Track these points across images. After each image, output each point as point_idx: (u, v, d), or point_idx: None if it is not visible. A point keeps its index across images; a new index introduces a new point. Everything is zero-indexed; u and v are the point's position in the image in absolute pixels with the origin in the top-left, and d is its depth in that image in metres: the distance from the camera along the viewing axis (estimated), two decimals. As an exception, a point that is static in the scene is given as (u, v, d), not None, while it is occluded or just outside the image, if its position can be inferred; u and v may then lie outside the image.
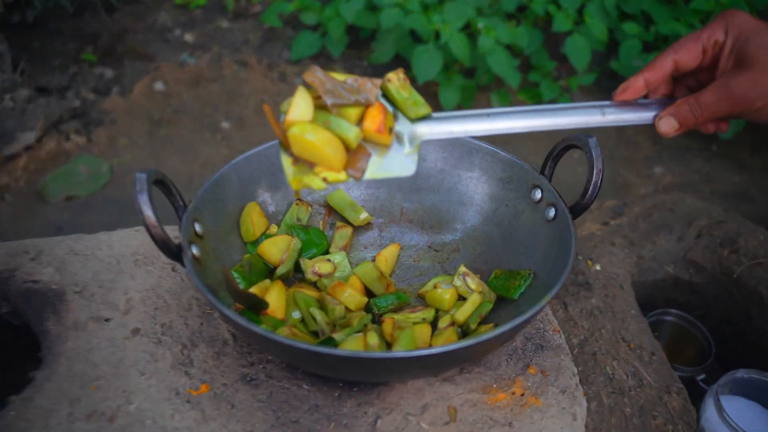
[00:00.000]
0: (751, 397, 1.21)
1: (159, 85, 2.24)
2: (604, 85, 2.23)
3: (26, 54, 2.24)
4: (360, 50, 2.28)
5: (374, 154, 0.77)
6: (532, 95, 2.14)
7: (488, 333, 0.70)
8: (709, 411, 1.14)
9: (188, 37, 2.39)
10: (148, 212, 0.76)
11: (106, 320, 0.94)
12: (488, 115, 0.80)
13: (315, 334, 0.87)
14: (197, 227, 0.87)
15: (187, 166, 1.99)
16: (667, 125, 0.81)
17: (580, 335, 1.11)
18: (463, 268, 0.92)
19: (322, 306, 0.89)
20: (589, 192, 0.87)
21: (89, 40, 2.36)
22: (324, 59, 2.28)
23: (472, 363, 0.86)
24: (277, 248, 0.94)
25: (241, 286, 0.89)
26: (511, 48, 2.09)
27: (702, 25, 2.10)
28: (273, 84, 2.24)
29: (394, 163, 0.77)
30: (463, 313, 0.86)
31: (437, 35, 1.94)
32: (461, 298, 0.93)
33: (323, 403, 0.83)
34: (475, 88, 2.09)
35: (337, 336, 0.84)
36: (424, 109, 0.79)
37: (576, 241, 0.86)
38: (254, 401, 0.83)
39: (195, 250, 0.83)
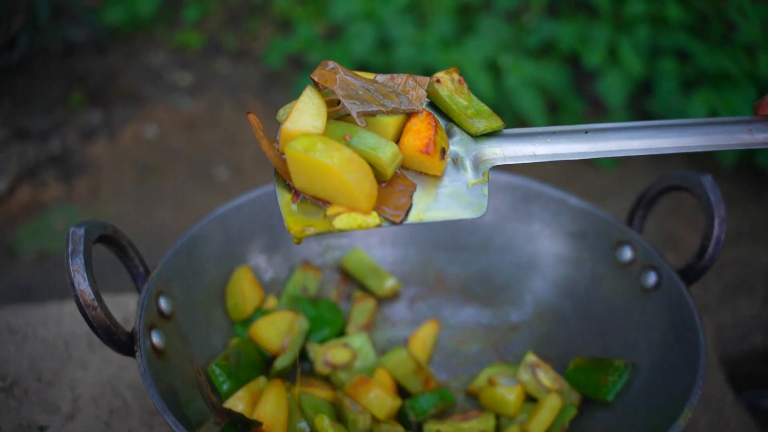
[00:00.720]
0: None
1: (151, 131, 2.01)
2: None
3: (9, 97, 2.01)
4: (370, 92, 2.06)
5: (420, 186, 0.51)
6: (560, 138, 1.90)
7: None
8: None
9: (184, 80, 2.17)
10: (82, 285, 0.51)
11: (41, 429, 0.67)
12: (586, 132, 0.54)
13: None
14: (163, 304, 0.61)
15: (179, 219, 1.74)
16: None
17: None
18: (531, 357, 0.66)
19: (338, 413, 0.62)
20: (710, 249, 0.61)
21: (77, 81, 2.15)
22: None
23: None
24: (276, 330, 0.68)
25: (225, 387, 0.62)
26: (538, 89, 1.87)
27: (748, 58, 1.87)
28: (275, 130, 2.00)
29: (454, 200, 0.50)
30: (539, 425, 0.59)
31: (458, 72, 1.71)
32: (529, 399, 0.66)
33: None
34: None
35: None
36: (494, 121, 0.54)
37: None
38: None
39: (157, 339, 0.57)
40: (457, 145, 0.52)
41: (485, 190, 0.51)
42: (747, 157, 1.83)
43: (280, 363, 0.66)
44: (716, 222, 0.61)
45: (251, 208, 0.75)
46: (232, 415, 0.54)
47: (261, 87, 2.13)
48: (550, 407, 0.60)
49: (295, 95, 2.02)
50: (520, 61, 1.77)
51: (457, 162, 0.52)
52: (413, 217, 0.49)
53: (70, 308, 0.83)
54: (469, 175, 0.52)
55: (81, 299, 0.51)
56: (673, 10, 1.91)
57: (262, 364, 0.67)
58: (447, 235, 0.80)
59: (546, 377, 0.65)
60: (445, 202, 0.50)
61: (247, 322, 0.69)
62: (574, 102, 1.93)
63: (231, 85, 2.15)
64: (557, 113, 1.96)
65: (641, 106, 2.01)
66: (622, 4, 1.95)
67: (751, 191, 1.81)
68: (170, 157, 1.95)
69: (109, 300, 0.80)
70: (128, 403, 0.70)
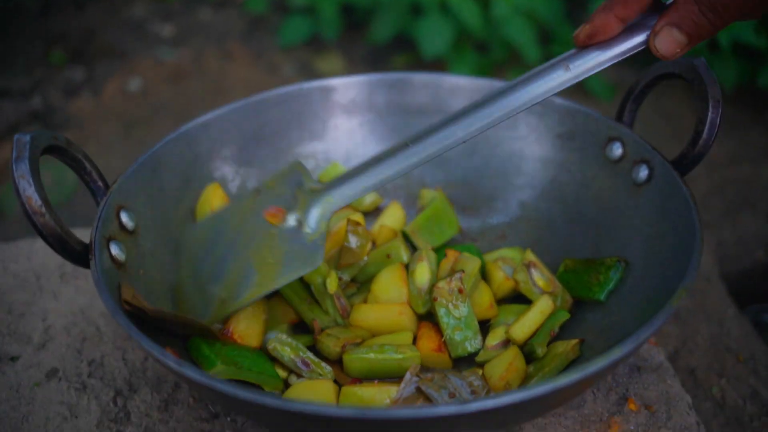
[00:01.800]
0: None
1: (135, 84, 1.95)
2: (633, 56, 1.93)
3: (-13, 57, 1.96)
4: (357, 31, 2.00)
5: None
6: (554, 71, 1.85)
7: (581, 371, 0.40)
8: None
9: (166, 31, 2.11)
10: (28, 191, 0.47)
11: (12, 359, 0.64)
12: (407, 145, 0.58)
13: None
14: (125, 218, 0.58)
15: (165, 170, 1.70)
16: (668, 40, 0.51)
17: (669, 345, 0.81)
18: (530, 256, 0.62)
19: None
20: (705, 135, 0.57)
21: (57, 39, 2.09)
22: (317, 44, 2.00)
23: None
24: None
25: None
26: (529, 19, 1.80)
27: None
28: (261, 75, 1.95)
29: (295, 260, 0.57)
30: (525, 329, 0.56)
31: (443, 5, 1.65)
32: (519, 299, 0.63)
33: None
34: (489, 66, 1.80)
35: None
36: (475, 343, 0.58)
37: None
38: (218, 475, 0.53)
39: (116, 251, 0.54)
40: (299, 210, 0.59)
41: (323, 241, 0.58)
42: (749, 80, 1.77)
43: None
44: (710, 104, 0.57)
45: (219, 125, 0.71)
46: (188, 326, 0.51)
47: (245, 33, 2.07)
48: (540, 310, 0.57)
49: (279, 40, 1.96)
50: (511, -10, 1.70)
51: (300, 224, 0.58)
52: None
53: (42, 244, 0.80)
54: (310, 231, 0.58)
55: (28, 206, 0.48)
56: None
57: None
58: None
59: (541, 278, 0.61)
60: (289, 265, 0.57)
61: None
62: (568, 32, 1.86)
63: (214, 33, 2.09)
64: (550, 44, 1.90)
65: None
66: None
67: (753, 114, 1.76)
68: (155, 109, 1.90)
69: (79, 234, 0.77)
70: (101, 330, 0.67)
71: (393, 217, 0.72)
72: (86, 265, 0.50)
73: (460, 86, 0.76)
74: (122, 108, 1.90)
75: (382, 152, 0.58)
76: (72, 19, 2.14)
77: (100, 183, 0.58)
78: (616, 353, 0.41)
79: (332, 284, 0.61)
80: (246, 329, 0.56)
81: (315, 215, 0.58)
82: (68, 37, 2.09)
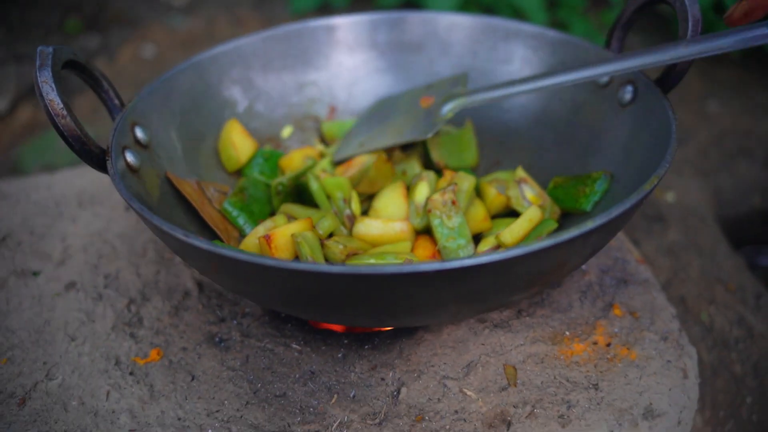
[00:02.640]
0: None
1: (149, 50, 1.99)
2: (642, 21, 1.94)
3: (3, 26, 2.00)
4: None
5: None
6: (561, 35, 1.86)
7: (585, 226, 0.43)
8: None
9: (178, 1, 2.14)
10: (50, 95, 0.51)
11: (34, 274, 0.69)
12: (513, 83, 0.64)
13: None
14: (139, 133, 0.61)
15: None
16: None
17: (661, 276, 0.84)
18: (521, 172, 0.65)
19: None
20: (676, 72, 0.60)
21: (72, 8, 2.13)
22: (327, 12, 2.02)
23: (543, 286, 0.59)
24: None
25: (240, 221, 0.64)
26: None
27: None
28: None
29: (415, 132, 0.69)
30: (514, 234, 0.59)
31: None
32: (512, 216, 0.66)
33: (321, 368, 0.57)
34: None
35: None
36: (468, 248, 0.61)
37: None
38: (224, 369, 0.57)
39: (131, 158, 0.58)
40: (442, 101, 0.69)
41: (440, 125, 0.67)
42: (707, 32, 1.77)
43: (279, 181, 0.67)
44: (690, 23, 0.59)
45: (229, 58, 0.74)
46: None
47: (256, 1, 2.10)
48: (528, 218, 0.60)
49: (290, 7, 1.99)
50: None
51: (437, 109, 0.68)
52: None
53: (61, 176, 0.84)
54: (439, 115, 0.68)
55: (50, 108, 0.51)
56: None
57: (269, 198, 0.68)
58: (429, 81, 0.79)
59: (531, 192, 0.65)
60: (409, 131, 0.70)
61: (248, 169, 0.70)
62: (574, -3, 1.87)
63: (225, 0, 2.12)
64: (556, 8, 1.91)
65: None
66: None
67: (759, 77, 1.77)
68: (169, 75, 1.94)
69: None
70: (116, 248, 0.71)
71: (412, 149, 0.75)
72: (104, 168, 0.54)
73: (456, 23, 0.79)
74: (136, 74, 1.94)
75: (501, 82, 0.66)
76: (86, -12, 2.18)
77: (116, 101, 0.62)
78: (589, 225, 0.44)
79: (356, 207, 0.64)
80: (280, 240, 0.59)
81: (449, 106, 0.68)
82: (82, 6, 2.14)
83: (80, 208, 0.77)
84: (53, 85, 0.51)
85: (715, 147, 1.18)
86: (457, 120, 0.77)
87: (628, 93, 0.64)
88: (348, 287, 0.42)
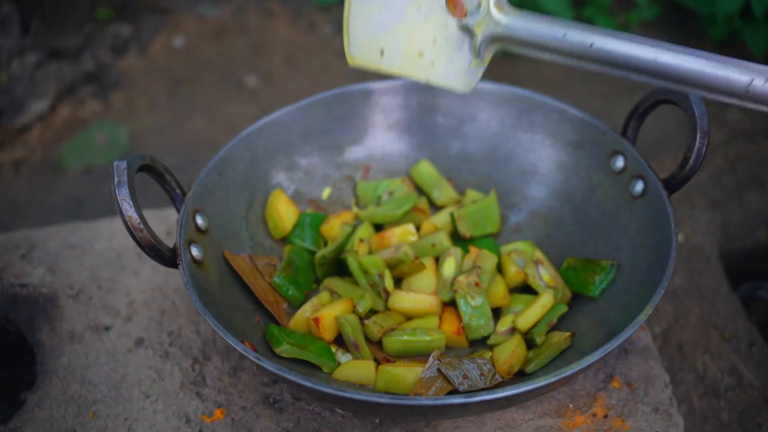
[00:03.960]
0: None
1: (179, 41, 2.06)
2: (667, 21, 1.96)
3: (37, 15, 2.06)
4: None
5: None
6: (586, 33, 1.89)
7: (571, 366, 0.52)
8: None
9: (208, -12, 2.19)
10: (129, 212, 0.60)
11: (106, 329, 0.79)
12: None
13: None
14: (200, 221, 0.71)
15: (211, 129, 1.83)
16: None
17: (663, 323, 0.93)
18: (538, 254, 0.74)
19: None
20: (691, 161, 0.67)
21: (104, -4, 2.18)
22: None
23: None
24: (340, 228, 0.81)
25: (290, 293, 0.74)
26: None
27: None
28: (300, 34, 2.04)
29: (453, 74, 0.60)
30: (528, 319, 0.68)
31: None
32: (528, 289, 0.75)
33: (361, 432, 0.67)
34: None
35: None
36: (487, 328, 0.71)
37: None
38: (279, 430, 0.68)
39: (196, 252, 0.67)
40: (472, 18, 0.59)
41: (480, 74, 0.61)
42: (732, 37, 1.79)
43: (322, 253, 0.76)
44: (698, 135, 0.66)
45: (272, 129, 0.83)
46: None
47: (284, -9, 2.14)
48: (542, 304, 0.69)
49: (317, 0, 2.03)
50: (545, -47, 1.73)
51: (467, 32, 0.59)
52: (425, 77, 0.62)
53: (119, 224, 0.94)
54: (472, 57, 0.60)
55: (129, 224, 0.60)
56: None
57: (312, 267, 0.78)
58: (457, 144, 0.87)
59: (546, 273, 0.73)
60: (441, 72, 0.61)
61: (293, 235, 0.79)
62: (602, -6, 1.89)
63: (254, -10, 2.16)
64: (582, 7, 1.94)
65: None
66: None
67: None
68: (200, 66, 2.01)
69: (152, 215, 0.90)
70: (176, 305, 0.81)
71: (440, 217, 0.83)
72: (174, 266, 0.64)
73: (485, 91, 0.86)
74: (168, 65, 2.01)
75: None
76: (116, -26, 2.23)
77: (178, 191, 0.71)
78: (578, 365, 0.53)
79: (389, 283, 0.73)
80: (327, 323, 0.69)
81: (487, 40, 0.58)
82: (114, -7, 2.19)
83: (139, 261, 0.87)
84: (131, 202, 0.60)
85: (728, 174, 1.24)
86: (483, 188, 0.85)
87: (639, 186, 0.72)
88: (390, 409, 0.52)
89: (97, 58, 1.98)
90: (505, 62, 1.97)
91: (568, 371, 0.53)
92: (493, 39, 0.58)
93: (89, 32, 2.08)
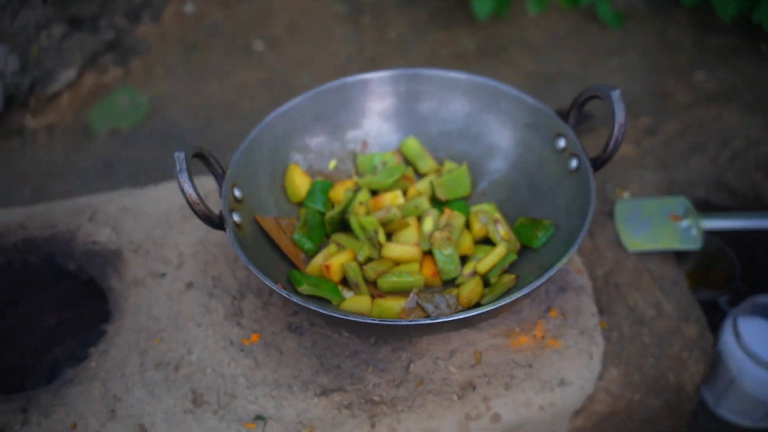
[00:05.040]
0: (776, 317, 1.28)
1: (189, 7, 2.26)
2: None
3: (54, -18, 2.26)
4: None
5: None
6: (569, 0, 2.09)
7: (511, 296, 0.78)
8: (727, 334, 1.22)
9: (213, -47, 2.37)
10: (189, 191, 0.84)
11: (162, 275, 1.05)
12: None
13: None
14: (237, 192, 0.95)
15: (224, 93, 2.06)
16: None
17: (606, 266, 1.18)
18: (496, 214, 0.99)
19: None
20: (610, 147, 0.91)
21: (115, -39, 2.37)
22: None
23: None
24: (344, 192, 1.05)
25: (307, 246, 0.99)
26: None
27: None
28: (304, 0, 2.23)
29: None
30: (486, 265, 0.94)
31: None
32: (487, 241, 1.00)
33: (361, 349, 0.94)
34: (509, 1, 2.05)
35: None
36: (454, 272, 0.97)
37: (597, 188, 0.91)
38: (300, 348, 0.94)
39: (236, 218, 0.92)
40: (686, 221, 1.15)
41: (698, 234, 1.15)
42: (744, 13, 1.99)
43: (330, 214, 1.01)
44: (616, 126, 0.89)
45: (288, 115, 1.06)
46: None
47: (286, -43, 2.32)
48: (497, 253, 0.94)
49: (319, -35, 2.21)
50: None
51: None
52: None
53: (164, 190, 1.19)
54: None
55: (189, 200, 0.85)
56: None
57: (323, 224, 1.03)
58: (437, 124, 1.11)
59: (502, 230, 0.98)
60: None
61: (307, 200, 1.04)
62: (585, -39, 2.07)
63: (258, -44, 2.34)
64: (568, -27, 2.12)
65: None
66: None
67: (749, 44, 2.01)
68: (210, 32, 2.21)
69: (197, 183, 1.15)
70: (216, 256, 1.07)
71: (422, 184, 1.08)
72: (222, 229, 0.88)
73: (460, 80, 1.09)
74: (180, 32, 2.22)
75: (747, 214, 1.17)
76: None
77: (220, 170, 0.95)
78: (515, 295, 0.78)
79: (382, 237, 0.98)
80: (335, 268, 0.95)
81: (697, 228, 1.18)
82: (124, -41, 2.37)
83: (183, 220, 1.12)
84: (190, 183, 0.84)
85: (679, 139, 1.47)
86: (458, 160, 1.10)
87: (574, 163, 0.96)
88: (380, 329, 0.78)
89: (114, 24, 2.19)
90: (495, 25, 2.16)
91: (505, 301, 0.78)
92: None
93: (104, -1, 2.27)
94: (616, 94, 0.90)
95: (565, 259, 0.83)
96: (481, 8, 1.98)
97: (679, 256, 1.28)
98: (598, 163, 0.93)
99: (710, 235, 1.41)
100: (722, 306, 1.34)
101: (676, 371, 1.11)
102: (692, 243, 1.16)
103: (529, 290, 0.80)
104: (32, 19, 1.93)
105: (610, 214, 1.26)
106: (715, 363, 1.25)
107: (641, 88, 1.92)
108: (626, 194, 1.31)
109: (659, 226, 1.18)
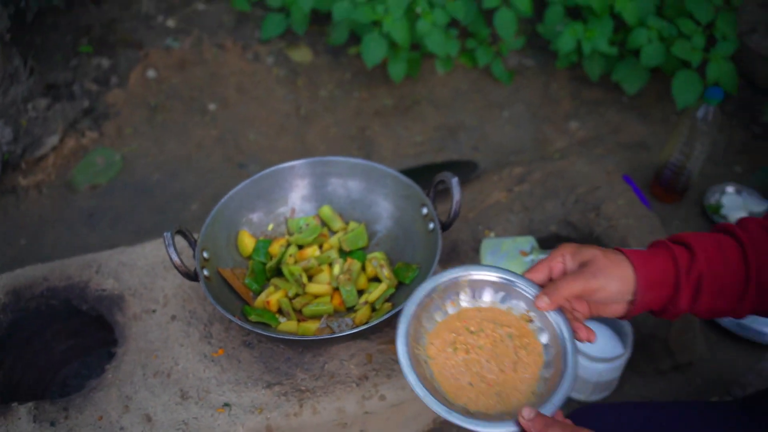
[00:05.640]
0: (605, 323, 1.85)
1: (151, 72, 2.76)
2: (534, 44, 2.73)
3: (31, 51, 2.75)
4: (322, 26, 2.78)
5: None
6: (470, 59, 2.65)
7: (381, 317, 1.32)
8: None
9: (170, 23, 2.88)
10: (175, 259, 1.37)
11: (153, 311, 1.57)
12: None
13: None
14: (205, 254, 1.48)
15: (184, 148, 2.57)
16: (541, 302, 1.03)
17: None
18: (383, 260, 1.53)
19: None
20: (451, 216, 1.46)
21: (83, 32, 2.85)
22: (291, 37, 2.78)
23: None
24: (276, 248, 1.57)
25: (254, 287, 1.51)
26: (452, 18, 2.58)
27: None
28: (249, 64, 2.75)
29: None
30: (373, 296, 1.48)
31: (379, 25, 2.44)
32: (376, 279, 1.55)
33: (292, 356, 1.47)
34: (420, 59, 2.61)
35: (305, 310, 1.47)
36: (353, 302, 1.48)
37: (443, 244, 1.45)
38: (252, 358, 1.48)
39: (206, 272, 1.45)
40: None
41: None
42: (607, 72, 2.58)
43: (269, 265, 1.54)
44: (454, 203, 1.44)
45: (237, 196, 1.59)
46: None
47: (233, 27, 2.83)
48: (381, 289, 1.48)
49: (261, 34, 2.74)
50: (435, 6, 2.47)
51: None
52: None
53: (150, 247, 1.70)
54: None
55: (175, 265, 1.36)
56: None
57: (265, 272, 1.55)
58: (344, 195, 1.64)
59: (386, 271, 1.52)
60: None
61: (253, 255, 1.56)
62: (482, 30, 2.65)
63: (209, 26, 2.84)
64: (467, 38, 2.69)
65: (533, 30, 2.73)
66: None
67: (612, 97, 2.60)
68: (170, 95, 2.72)
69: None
70: (191, 296, 1.59)
71: (333, 239, 1.61)
72: (196, 280, 1.41)
73: (358, 165, 1.63)
74: (145, 95, 2.72)
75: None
76: (93, 13, 2.89)
77: (193, 239, 1.47)
78: (386, 315, 1.32)
79: (305, 279, 1.52)
80: (273, 303, 1.48)
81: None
82: (91, 30, 2.87)
83: (165, 271, 1.64)
84: (176, 254, 1.36)
85: (540, 186, 2.04)
86: (359, 220, 1.64)
87: (431, 225, 1.50)
88: (302, 342, 1.32)
89: (88, 92, 2.69)
90: (408, 84, 2.71)
91: (381, 319, 1.32)
92: None
93: (75, 65, 2.77)
94: (455, 181, 1.46)
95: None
96: (396, 72, 2.54)
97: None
98: (445, 226, 1.48)
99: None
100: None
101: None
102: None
103: (395, 311, 1.34)
104: (20, 93, 2.43)
105: (478, 250, 1.82)
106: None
107: (526, 136, 2.50)
108: (492, 234, 1.87)
109: (512, 259, 1.74)
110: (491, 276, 1.09)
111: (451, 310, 1.10)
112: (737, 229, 1.04)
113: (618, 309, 1.06)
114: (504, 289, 1.09)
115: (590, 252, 1.06)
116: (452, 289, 1.10)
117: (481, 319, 1.07)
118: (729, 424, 1.29)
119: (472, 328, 1.06)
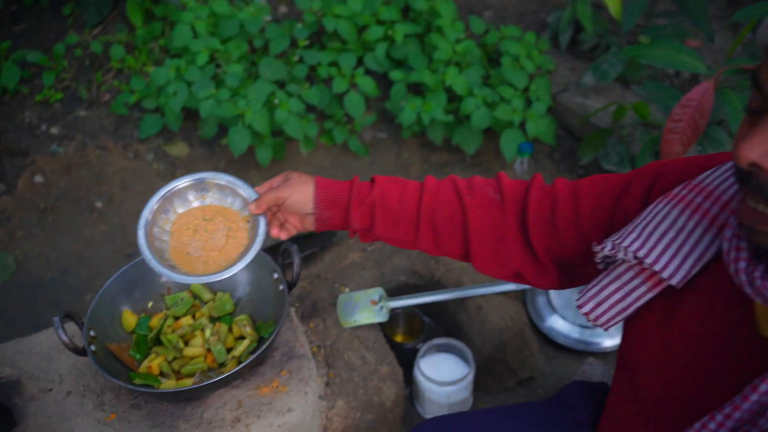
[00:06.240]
0: (451, 352, 2.27)
1: (38, 177, 3.08)
2: (385, 119, 3.21)
3: None
4: (194, 121, 3.18)
5: None
6: (329, 138, 3.10)
7: (239, 366, 1.69)
8: (416, 366, 2.19)
9: (54, 130, 3.22)
10: (65, 339, 1.70)
11: (50, 390, 1.88)
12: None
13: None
14: (92, 333, 1.81)
15: (75, 245, 2.88)
16: (252, 206, 1.47)
17: (331, 338, 2.12)
18: (246, 321, 1.90)
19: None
20: (293, 278, 1.85)
21: (-31, 145, 3.16)
22: (167, 134, 3.17)
23: (246, 375, 1.85)
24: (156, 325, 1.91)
25: (138, 357, 1.85)
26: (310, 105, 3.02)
27: (445, 69, 3.03)
28: (131, 162, 3.11)
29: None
30: (239, 351, 1.85)
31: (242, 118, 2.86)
32: (242, 337, 1.91)
33: (175, 411, 1.81)
34: (284, 142, 3.04)
35: (183, 369, 1.81)
36: (221, 358, 1.84)
37: (304, 303, 1.84)
38: (141, 417, 1.80)
39: (93, 347, 1.78)
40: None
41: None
42: (449, 137, 3.06)
43: (150, 336, 1.88)
44: (295, 267, 1.83)
45: (114, 283, 1.93)
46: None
47: (113, 129, 3.19)
48: (244, 344, 1.84)
49: (139, 133, 3.11)
50: (292, 95, 2.92)
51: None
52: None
53: (44, 335, 2.02)
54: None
55: (65, 344, 1.69)
56: (399, 32, 3.03)
57: (147, 342, 1.88)
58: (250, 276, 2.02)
59: (249, 329, 1.89)
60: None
61: (136, 329, 1.90)
62: (338, 111, 3.11)
63: (90, 130, 3.20)
64: (325, 120, 3.15)
65: (382, 107, 3.21)
66: (364, 30, 3.08)
67: (457, 158, 3.09)
68: (58, 196, 3.05)
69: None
70: (84, 371, 1.90)
71: (204, 309, 1.97)
72: (85, 356, 1.73)
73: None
74: (33, 199, 3.04)
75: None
76: (-23, 127, 3.21)
77: (80, 321, 1.81)
78: (244, 364, 1.69)
79: (181, 345, 1.87)
80: (155, 367, 1.81)
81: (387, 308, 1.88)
82: (-22, 142, 3.17)
83: (59, 353, 1.96)
84: (65, 335, 1.70)
85: (383, 246, 2.46)
86: (224, 290, 2.01)
87: (281, 287, 1.89)
88: (175, 394, 1.67)
89: (-23, 200, 2.97)
90: (276, 166, 3.11)
91: (237, 368, 1.68)
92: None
93: (-37, 177, 3.06)
94: (294, 248, 1.86)
95: (265, 344, 1.75)
96: (263, 157, 2.95)
97: (383, 324, 2.24)
98: (291, 286, 1.87)
99: (406, 308, 2.39)
100: (419, 348, 2.32)
101: (378, 395, 2.05)
102: (383, 317, 2.11)
103: (249, 361, 1.71)
104: None
105: (335, 304, 2.22)
106: (415, 382, 2.21)
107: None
108: (347, 289, 2.27)
109: (364, 309, 2.13)
110: (229, 183, 1.57)
111: (196, 203, 1.58)
112: (459, 181, 1.36)
113: (309, 220, 1.45)
114: (236, 195, 1.55)
115: (292, 173, 1.44)
116: (201, 186, 1.55)
117: (214, 212, 1.55)
118: (536, 418, 1.69)
119: (207, 217, 1.56)
